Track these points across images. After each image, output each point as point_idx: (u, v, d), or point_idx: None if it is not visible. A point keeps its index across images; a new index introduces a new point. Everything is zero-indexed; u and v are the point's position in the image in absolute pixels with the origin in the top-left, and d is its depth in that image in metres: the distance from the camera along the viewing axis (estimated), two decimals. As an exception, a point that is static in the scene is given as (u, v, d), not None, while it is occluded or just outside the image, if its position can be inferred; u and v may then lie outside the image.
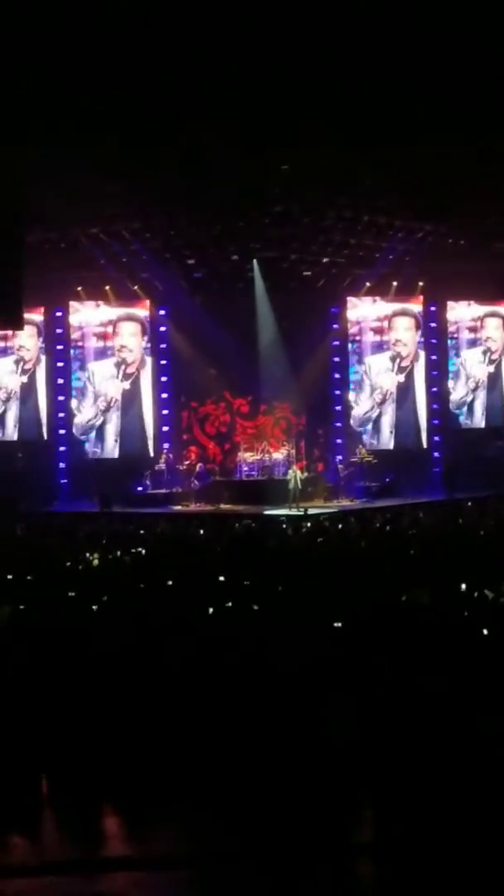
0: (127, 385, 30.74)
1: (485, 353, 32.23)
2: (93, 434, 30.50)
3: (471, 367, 32.17)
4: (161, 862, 6.05)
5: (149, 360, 30.93)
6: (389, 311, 31.29)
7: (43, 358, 30.77)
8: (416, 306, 31.48)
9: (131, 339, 30.69)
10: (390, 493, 28.52)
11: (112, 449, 30.58)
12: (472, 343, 32.20)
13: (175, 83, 19.21)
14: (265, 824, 6.26)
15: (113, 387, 30.61)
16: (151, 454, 30.38)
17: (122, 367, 30.67)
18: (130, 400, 30.76)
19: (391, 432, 31.40)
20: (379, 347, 31.38)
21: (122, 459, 30.48)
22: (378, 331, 31.35)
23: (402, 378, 31.46)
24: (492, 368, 32.31)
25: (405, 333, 31.45)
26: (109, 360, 30.64)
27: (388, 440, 31.36)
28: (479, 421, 32.26)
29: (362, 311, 31.24)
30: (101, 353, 30.61)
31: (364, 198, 26.18)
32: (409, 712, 6.95)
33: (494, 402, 32.26)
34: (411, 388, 31.54)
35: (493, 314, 32.35)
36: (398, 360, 31.40)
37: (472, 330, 32.17)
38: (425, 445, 31.43)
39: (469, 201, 25.98)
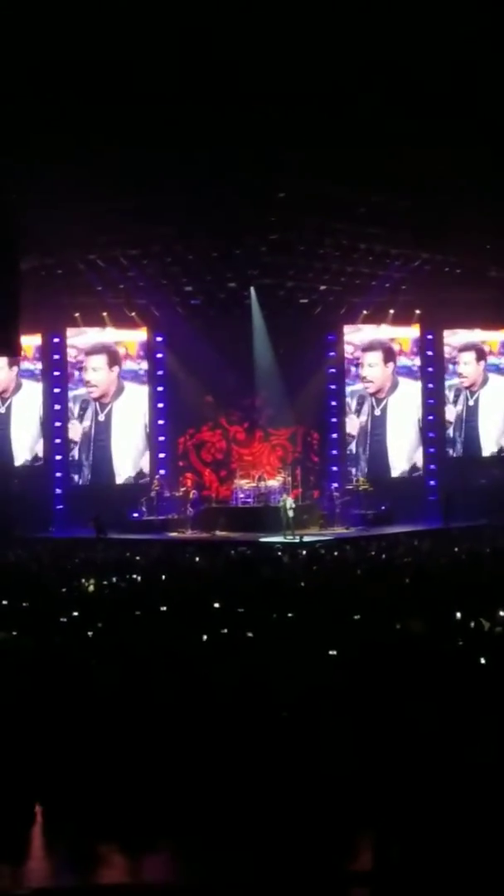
0: (101, 416, 30.68)
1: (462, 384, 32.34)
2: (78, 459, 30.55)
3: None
4: (155, 890, 6.01)
5: (127, 387, 30.84)
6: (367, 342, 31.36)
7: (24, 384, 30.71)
8: (407, 332, 31.51)
9: (95, 374, 30.64)
10: (386, 522, 28.51)
11: (94, 476, 30.55)
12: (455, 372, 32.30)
13: (173, 110, 19.30)
14: (261, 852, 6.22)
15: (88, 418, 30.63)
16: (139, 480, 30.32)
17: (94, 399, 30.68)
18: (102, 431, 30.70)
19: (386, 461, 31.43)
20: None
21: (118, 486, 30.45)
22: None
23: (377, 411, 31.45)
24: (472, 401, 32.36)
25: (370, 370, 31.46)
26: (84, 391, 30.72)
27: (384, 468, 31.36)
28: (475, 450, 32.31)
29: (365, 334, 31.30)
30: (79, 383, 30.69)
31: (361, 226, 26.27)
32: (404, 741, 6.92)
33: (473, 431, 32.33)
34: (384, 421, 31.53)
35: (466, 348, 32.35)
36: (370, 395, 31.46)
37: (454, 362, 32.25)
38: (399, 473, 31.44)
39: (465, 229, 26.10)
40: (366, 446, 31.29)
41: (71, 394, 30.55)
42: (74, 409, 30.50)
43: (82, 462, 30.53)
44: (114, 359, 30.74)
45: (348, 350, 31.29)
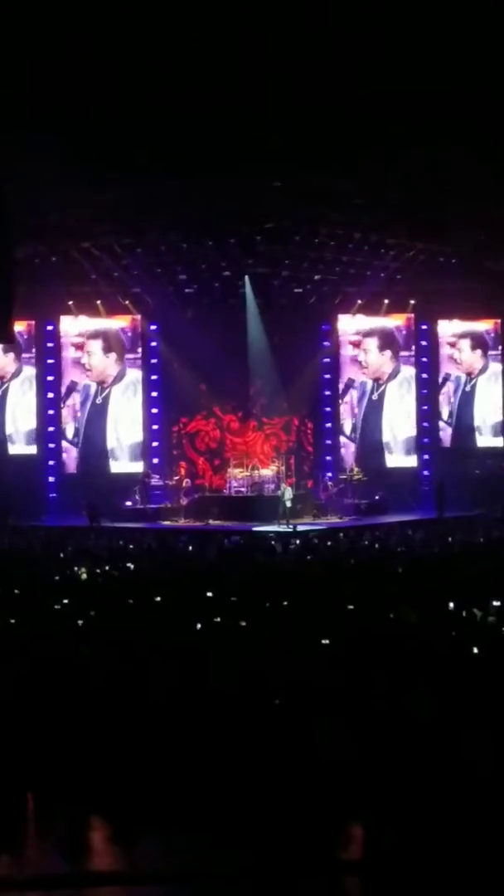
0: (99, 399, 30.69)
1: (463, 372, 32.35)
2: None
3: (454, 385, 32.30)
4: (148, 877, 6.02)
5: (129, 373, 30.84)
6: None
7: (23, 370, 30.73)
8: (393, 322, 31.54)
9: (94, 359, 30.65)
10: (380, 511, 28.55)
11: (87, 464, 30.58)
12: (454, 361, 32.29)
13: (169, 99, 19.25)
14: (254, 840, 6.24)
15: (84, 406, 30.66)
16: (139, 469, 30.29)
17: (92, 385, 30.70)
18: (97, 418, 30.73)
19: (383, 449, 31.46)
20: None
21: (112, 474, 30.44)
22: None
23: (374, 396, 31.50)
24: (468, 388, 32.37)
25: (367, 355, 31.48)
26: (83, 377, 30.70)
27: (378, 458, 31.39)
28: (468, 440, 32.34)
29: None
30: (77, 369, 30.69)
31: (356, 215, 26.25)
32: (398, 730, 6.93)
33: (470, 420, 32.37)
34: (380, 410, 31.58)
35: (464, 335, 32.36)
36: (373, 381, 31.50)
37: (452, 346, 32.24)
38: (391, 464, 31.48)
39: (460, 220, 26.09)
40: (360, 435, 31.29)
41: (68, 380, 30.53)
42: (74, 396, 30.48)
43: (76, 450, 30.52)
44: (112, 344, 30.68)
45: (346, 336, 31.28)
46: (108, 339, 30.64)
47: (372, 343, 31.35)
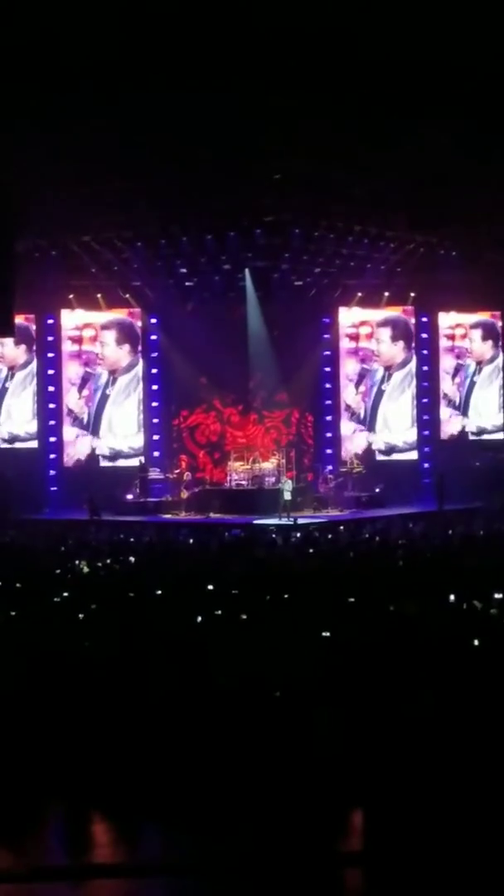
0: (108, 391, 30.73)
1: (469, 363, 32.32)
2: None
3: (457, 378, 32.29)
4: (148, 869, 6.04)
5: (137, 366, 30.85)
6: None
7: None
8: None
9: (108, 349, 30.68)
10: (380, 504, 28.55)
11: (89, 457, 30.60)
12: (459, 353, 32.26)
13: (169, 93, 19.25)
14: (254, 833, 6.26)
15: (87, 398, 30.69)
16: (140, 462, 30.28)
17: (104, 375, 30.71)
18: (99, 411, 30.76)
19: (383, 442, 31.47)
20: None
21: (113, 468, 30.45)
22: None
23: (384, 385, 31.53)
24: (476, 379, 32.36)
25: (380, 345, 31.52)
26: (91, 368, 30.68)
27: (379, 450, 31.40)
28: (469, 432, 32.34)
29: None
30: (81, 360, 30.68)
31: (356, 208, 26.24)
32: (397, 722, 6.95)
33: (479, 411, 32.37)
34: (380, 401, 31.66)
35: (476, 325, 32.35)
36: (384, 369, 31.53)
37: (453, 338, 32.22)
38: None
39: (460, 212, 26.07)
40: (365, 424, 31.36)
41: (73, 372, 30.54)
42: (77, 389, 30.52)
43: (78, 443, 30.54)
44: (125, 336, 30.71)
45: (347, 329, 31.32)
46: (121, 329, 30.66)
47: (385, 333, 31.35)
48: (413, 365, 31.63)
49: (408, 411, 31.66)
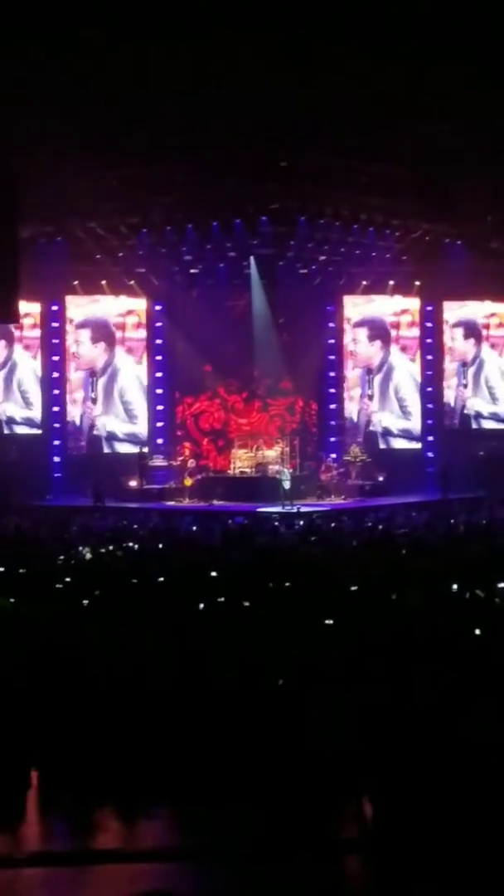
0: (102, 383, 30.66)
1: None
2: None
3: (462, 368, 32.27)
4: (149, 855, 6.06)
5: (122, 359, 30.78)
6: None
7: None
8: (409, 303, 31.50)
9: (88, 347, 30.56)
10: (383, 492, 28.54)
11: (92, 444, 30.56)
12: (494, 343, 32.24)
13: (175, 79, 19.22)
14: (255, 820, 6.28)
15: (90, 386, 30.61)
16: (145, 449, 30.25)
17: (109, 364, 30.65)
18: (103, 398, 30.71)
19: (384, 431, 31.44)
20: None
21: (116, 454, 30.44)
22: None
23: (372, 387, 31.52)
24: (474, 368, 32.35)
25: (357, 346, 31.45)
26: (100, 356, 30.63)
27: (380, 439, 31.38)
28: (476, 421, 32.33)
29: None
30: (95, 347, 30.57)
31: (361, 196, 26.21)
32: (399, 711, 6.96)
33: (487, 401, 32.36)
34: (386, 391, 31.60)
35: (483, 317, 32.32)
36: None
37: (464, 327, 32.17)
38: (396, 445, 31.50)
39: (467, 200, 26.03)
40: (366, 417, 31.32)
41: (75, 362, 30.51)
42: (78, 376, 30.47)
43: (83, 429, 30.51)
44: (102, 334, 30.64)
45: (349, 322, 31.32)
46: (97, 328, 30.55)
47: (362, 333, 31.30)
48: (412, 357, 31.59)
49: (412, 404, 31.66)
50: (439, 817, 6.08)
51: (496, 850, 5.79)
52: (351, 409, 31.39)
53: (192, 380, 31.00)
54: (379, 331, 31.41)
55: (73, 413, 30.50)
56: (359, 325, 31.32)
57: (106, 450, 30.56)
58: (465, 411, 32.20)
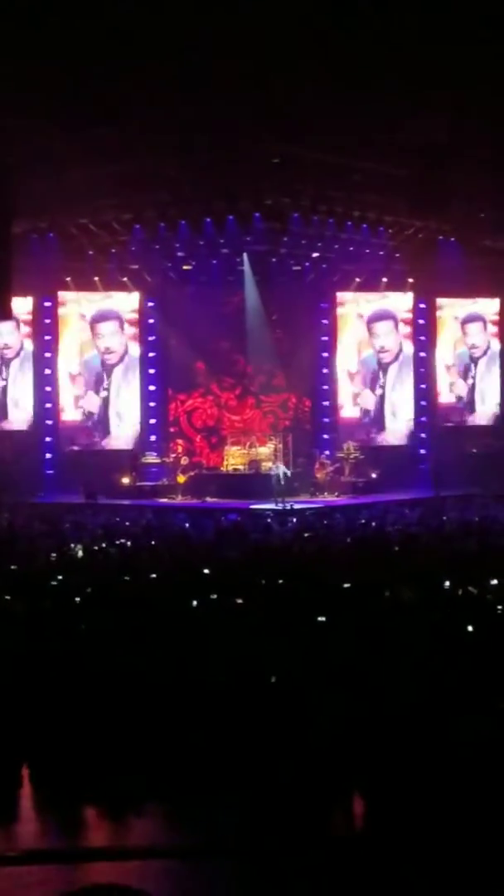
0: (105, 383, 30.61)
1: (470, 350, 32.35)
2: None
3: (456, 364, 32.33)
4: (144, 853, 6.05)
5: (134, 352, 30.75)
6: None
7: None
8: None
9: (112, 339, 30.54)
10: (376, 490, 28.55)
11: (97, 440, 30.50)
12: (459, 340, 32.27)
13: (168, 75, 19.18)
14: (248, 817, 6.27)
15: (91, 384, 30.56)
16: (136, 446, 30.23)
17: (105, 363, 30.57)
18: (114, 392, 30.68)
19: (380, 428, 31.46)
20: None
21: (109, 451, 30.39)
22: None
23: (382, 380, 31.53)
24: (472, 366, 32.42)
25: (385, 339, 31.50)
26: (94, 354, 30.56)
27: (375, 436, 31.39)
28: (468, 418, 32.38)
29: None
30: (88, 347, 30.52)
31: (355, 193, 26.21)
32: (393, 708, 6.95)
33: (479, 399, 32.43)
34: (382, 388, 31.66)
35: (477, 316, 32.40)
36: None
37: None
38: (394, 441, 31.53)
39: (460, 197, 26.05)
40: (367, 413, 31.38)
41: (81, 358, 30.46)
42: (82, 374, 30.42)
43: (85, 426, 30.47)
44: (123, 324, 30.65)
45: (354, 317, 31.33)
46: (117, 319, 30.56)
47: (387, 325, 31.36)
48: (407, 353, 31.61)
49: (404, 400, 31.73)
50: (433, 813, 6.08)
51: (491, 846, 5.78)
52: (366, 400, 31.31)
53: (185, 376, 30.99)
54: (393, 324, 31.43)
55: (91, 404, 30.38)
56: (374, 319, 31.28)
57: (100, 446, 30.44)
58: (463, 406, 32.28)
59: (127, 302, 30.52)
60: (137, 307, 30.61)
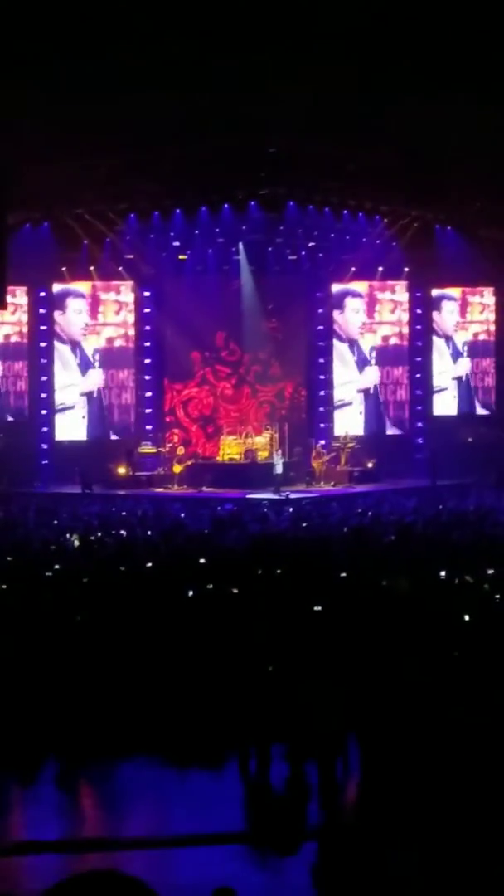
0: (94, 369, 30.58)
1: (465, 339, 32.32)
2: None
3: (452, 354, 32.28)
4: (132, 844, 6.05)
5: (131, 341, 30.72)
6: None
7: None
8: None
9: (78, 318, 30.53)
10: (373, 479, 28.53)
11: (91, 430, 30.45)
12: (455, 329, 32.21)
13: (165, 64, 19.12)
14: (248, 803, 6.28)
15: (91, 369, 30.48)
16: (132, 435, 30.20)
17: (100, 349, 30.53)
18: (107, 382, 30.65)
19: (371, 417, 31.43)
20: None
21: (105, 441, 30.35)
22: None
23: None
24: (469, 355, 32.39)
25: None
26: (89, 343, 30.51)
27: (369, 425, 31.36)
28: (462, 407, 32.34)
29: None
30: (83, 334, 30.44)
31: (350, 182, 26.16)
32: (389, 695, 6.96)
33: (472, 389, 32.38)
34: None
35: (474, 304, 32.36)
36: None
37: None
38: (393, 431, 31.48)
39: (456, 187, 26.01)
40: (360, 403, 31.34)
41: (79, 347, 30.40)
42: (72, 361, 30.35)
43: (77, 416, 30.42)
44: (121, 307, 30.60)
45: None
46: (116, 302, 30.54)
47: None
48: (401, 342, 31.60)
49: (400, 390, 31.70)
50: (429, 797, 6.08)
51: (485, 828, 5.79)
52: (363, 389, 31.34)
53: (180, 366, 30.94)
54: (390, 313, 31.44)
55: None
56: (371, 307, 31.24)
57: (96, 436, 30.39)
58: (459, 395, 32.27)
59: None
60: (133, 297, 30.55)
